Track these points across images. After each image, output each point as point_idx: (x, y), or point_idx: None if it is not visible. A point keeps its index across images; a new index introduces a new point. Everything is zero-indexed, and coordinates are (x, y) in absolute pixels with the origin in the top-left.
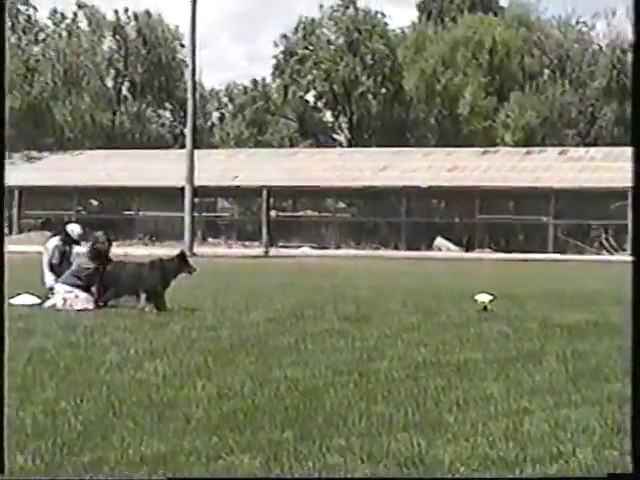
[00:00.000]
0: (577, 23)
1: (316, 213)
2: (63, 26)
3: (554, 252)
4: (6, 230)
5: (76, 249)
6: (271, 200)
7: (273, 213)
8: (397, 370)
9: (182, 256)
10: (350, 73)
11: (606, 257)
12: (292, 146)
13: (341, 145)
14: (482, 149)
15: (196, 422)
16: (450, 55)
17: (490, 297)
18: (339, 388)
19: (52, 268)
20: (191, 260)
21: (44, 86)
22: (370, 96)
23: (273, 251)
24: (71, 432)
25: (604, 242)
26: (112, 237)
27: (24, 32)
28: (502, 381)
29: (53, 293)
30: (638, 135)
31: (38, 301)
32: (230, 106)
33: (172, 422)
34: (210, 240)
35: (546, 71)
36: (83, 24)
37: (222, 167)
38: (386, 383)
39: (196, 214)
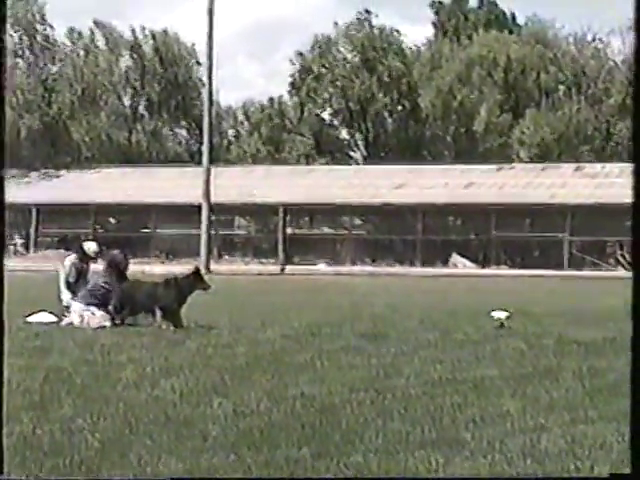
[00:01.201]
0: (593, 40)
1: (332, 230)
2: (80, 45)
3: (570, 268)
4: (23, 248)
5: (93, 267)
6: (287, 217)
7: (289, 230)
8: (414, 387)
9: (197, 272)
10: (366, 90)
11: (622, 273)
12: (308, 163)
13: (357, 162)
14: (498, 166)
15: (213, 440)
16: (466, 72)
17: (506, 314)
18: (356, 405)
19: (69, 286)
20: (206, 277)
21: (62, 105)
22: (386, 113)
23: (289, 268)
24: (88, 450)
25: (620, 258)
26: (129, 255)
27: (42, 51)
28: (519, 398)
29: (70, 311)
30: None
31: (55, 319)
32: (246, 124)
33: (189, 440)
34: (226, 257)
35: (561, 87)
36: (100, 42)
37: (239, 184)
38: (403, 400)
39: (212, 231)
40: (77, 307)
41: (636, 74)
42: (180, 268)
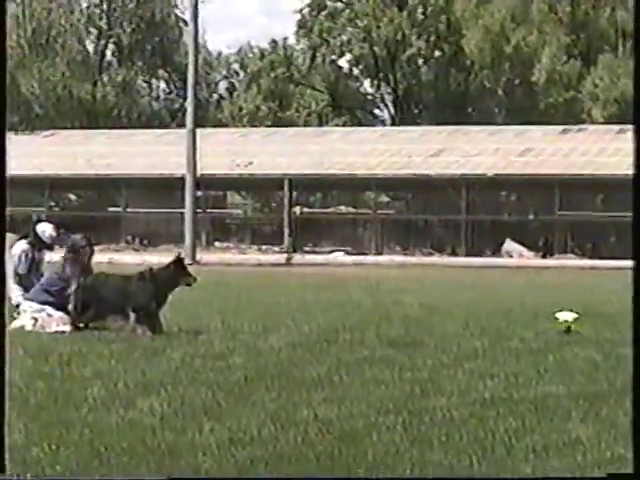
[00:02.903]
0: None
1: (352, 209)
2: None
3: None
4: None
5: (48, 256)
6: (295, 193)
7: (297, 209)
8: (458, 408)
9: (179, 263)
10: (395, 32)
11: None
12: (321, 124)
13: (384, 123)
14: (563, 127)
15: (204, 474)
16: (522, 7)
17: (575, 315)
18: (384, 431)
19: (19, 280)
20: (192, 269)
21: (7, 50)
22: (420, 61)
23: (297, 258)
24: None
25: None
26: (94, 240)
27: None
28: (591, 422)
29: (20, 311)
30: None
31: None
32: (242, 74)
33: (173, 474)
34: (217, 244)
35: None
36: None
37: (232, 151)
38: (444, 425)
39: (199, 211)
40: (29, 307)
41: (636, 74)
42: (158, 258)
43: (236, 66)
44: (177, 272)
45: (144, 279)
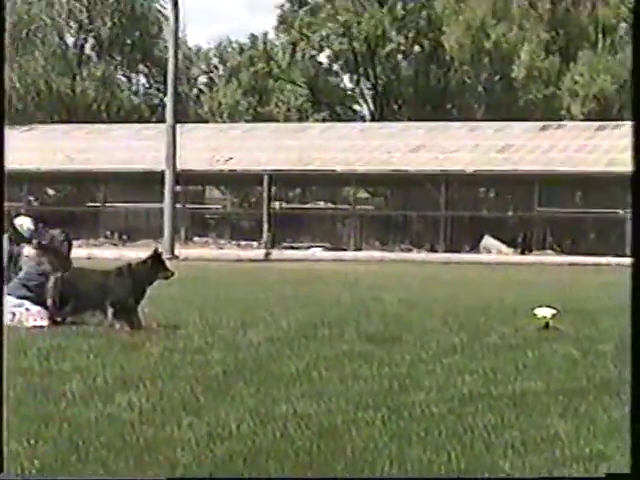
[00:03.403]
0: None
1: (331, 205)
2: None
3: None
4: None
5: (26, 250)
6: (274, 189)
7: (276, 205)
8: (437, 404)
9: (156, 257)
10: (375, 27)
11: None
12: (301, 120)
13: (363, 119)
14: (542, 123)
15: (183, 469)
16: (502, 4)
17: (553, 312)
18: (363, 427)
19: None
20: (171, 264)
21: None
22: (400, 56)
23: (276, 253)
24: None
25: None
26: (72, 235)
27: None
28: (570, 418)
29: None
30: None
31: None
32: (222, 68)
33: (152, 469)
34: (196, 239)
35: (623, 25)
36: None
37: (212, 147)
38: (423, 420)
39: (178, 206)
40: (7, 301)
41: (635, 73)
42: (137, 253)
43: (216, 61)
44: (155, 266)
45: (122, 274)
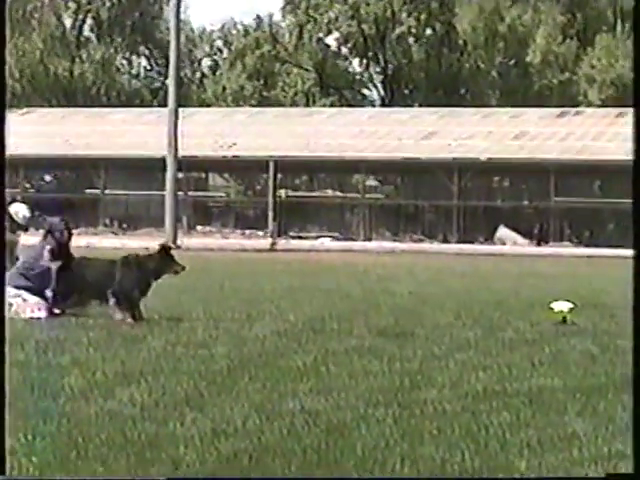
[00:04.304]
0: None
1: (339, 193)
2: None
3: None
4: None
5: (23, 238)
6: (280, 176)
7: (282, 193)
8: (449, 401)
9: (166, 251)
10: (384, 9)
11: None
12: (308, 104)
13: (373, 104)
14: (559, 110)
15: (186, 467)
16: None
17: (571, 306)
18: (373, 424)
19: None
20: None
21: None
22: (411, 39)
23: (282, 243)
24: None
25: None
26: (71, 224)
27: None
28: (588, 416)
29: None
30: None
31: None
32: (226, 52)
33: (154, 467)
34: (199, 228)
35: None
36: None
37: (215, 132)
38: (435, 418)
39: (181, 193)
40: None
41: (635, 72)
42: (138, 242)
43: (219, 43)
44: (163, 261)
45: (129, 264)
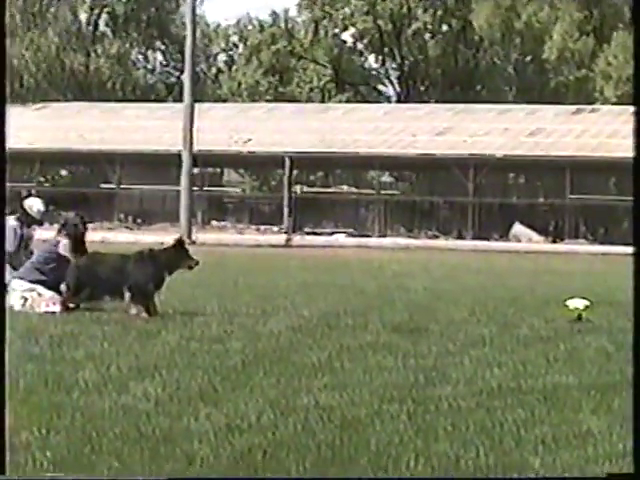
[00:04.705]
0: None
1: (354, 189)
2: None
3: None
4: None
5: (38, 232)
6: (295, 171)
7: (298, 189)
8: (464, 398)
9: (180, 245)
10: (400, 5)
11: None
12: (324, 100)
13: (388, 100)
14: (575, 107)
15: (200, 462)
16: None
17: (586, 303)
18: (388, 420)
19: (8, 258)
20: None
21: None
22: (427, 35)
23: (297, 239)
24: (36, 471)
25: None
26: (86, 218)
27: None
28: (603, 414)
29: (8, 290)
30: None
31: None
32: (242, 47)
33: (168, 462)
34: (214, 223)
35: None
36: None
37: (231, 127)
38: (450, 414)
39: (196, 189)
40: (18, 285)
41: (636, 72)
42: (153, 237)
43: (235, 39)
44: (177, 255)
45: (143, 259)
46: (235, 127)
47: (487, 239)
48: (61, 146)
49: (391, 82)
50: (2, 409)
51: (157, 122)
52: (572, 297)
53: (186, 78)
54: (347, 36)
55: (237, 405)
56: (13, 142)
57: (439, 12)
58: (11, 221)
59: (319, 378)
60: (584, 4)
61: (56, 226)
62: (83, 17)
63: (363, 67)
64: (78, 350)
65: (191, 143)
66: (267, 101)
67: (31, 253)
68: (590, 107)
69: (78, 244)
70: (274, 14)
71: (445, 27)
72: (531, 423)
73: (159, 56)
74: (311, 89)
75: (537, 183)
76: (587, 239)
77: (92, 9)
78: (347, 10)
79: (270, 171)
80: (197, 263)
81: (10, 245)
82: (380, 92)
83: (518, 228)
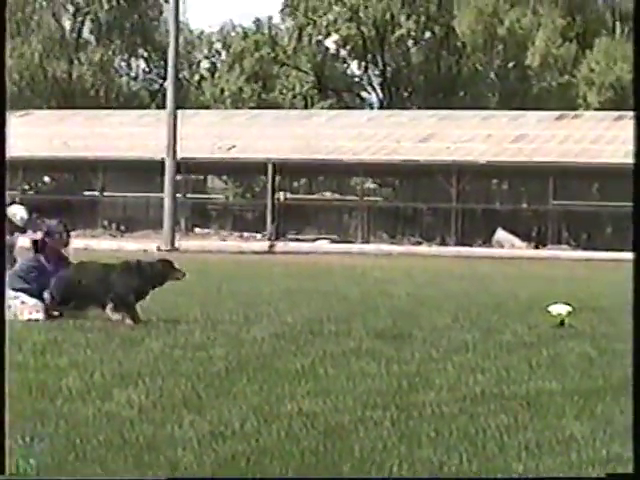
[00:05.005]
0: None
1: (338, 196)
2: None
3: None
4: None
5: (21, 240)
6: (278, 178)
7: (281, 195)
8: (447, 404)
9: (167, 263)
10: (384, 12)
11: None
12: (307, 107)
13: (371, 106)
14: (558, 113)
15: (183, 469)
16: None
17: (569, 309)
18: (371, 426)
19: None
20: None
21: None
22: (410, 42)
23: (280, 245)
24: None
25: None
26: (69, 226)
27: None
28: (586, 419)
29: None
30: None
31: None
32: (225, 54)
33: (152, 469)
34: (197, 230)
35: None
36: None
37: (214, 134)
38: (433, 420)
39: (179, 196)
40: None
41: (635, 75)
42: (136, 244)
43: (218, 46)
44: (164, 272)
45: (129, 270)
46: (218, 134)
47: (470, 245)
48: (45, 153)
49: (374, 89)
50: (2, 410)
51: (141, 129)
52: (555, 303)
53: (169, 85)
54: (330, 43)
55: (221, 412)
56: None
57: (422, 19)
58: None
59: (302, 385)
60: (567, 10)
61: (39, 234)
62: (67, 24)
63: (346, 74)
64: (62, 357)
65: (174, 150)
66: (250, 108)
67: (14, 261)
68: (573, 113)
69: (61, 253)
70: (257, 21)
71: (428, 34)
72: (514, 429)
73: (142, 63)
74: (294, 96)
75: (520, 189)
76: (570, 245)
77: (75, 17)
78: (330, 17)
79: (253, 178)
80: (184, 275)
81: None
82: (363, 99)
83: (501, 234)
